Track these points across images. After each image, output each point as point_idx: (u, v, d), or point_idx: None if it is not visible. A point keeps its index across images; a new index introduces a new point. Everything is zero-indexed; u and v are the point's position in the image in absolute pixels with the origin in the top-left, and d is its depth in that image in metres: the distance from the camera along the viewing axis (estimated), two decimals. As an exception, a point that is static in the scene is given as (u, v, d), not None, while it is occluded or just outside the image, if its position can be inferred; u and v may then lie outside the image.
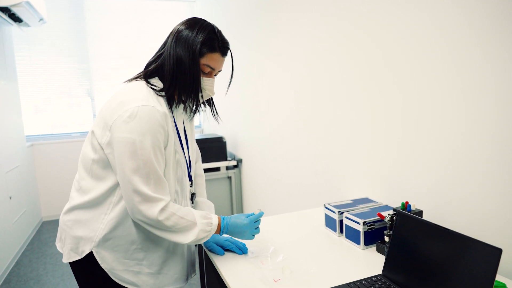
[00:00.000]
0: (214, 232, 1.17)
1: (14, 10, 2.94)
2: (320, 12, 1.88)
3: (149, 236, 1.18)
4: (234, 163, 3.40)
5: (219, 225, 1.19)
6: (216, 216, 1.19)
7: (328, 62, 1.85)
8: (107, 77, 4.53)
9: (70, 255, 1.17)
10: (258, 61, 2.80)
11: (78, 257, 1.15)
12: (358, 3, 1.58)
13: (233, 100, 3.46)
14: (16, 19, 3.21)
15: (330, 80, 1.85)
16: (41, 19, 3.40)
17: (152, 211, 1.06)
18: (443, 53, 1.19)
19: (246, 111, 3.17)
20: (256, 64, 2.85)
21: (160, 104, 1.10)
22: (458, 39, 1.13)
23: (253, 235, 1.23)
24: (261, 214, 1.25)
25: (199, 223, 1.13)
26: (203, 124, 4.65)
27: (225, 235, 1.26)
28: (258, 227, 1.24)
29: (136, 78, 1.19)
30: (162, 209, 1.07)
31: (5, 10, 2.95)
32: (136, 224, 1.15)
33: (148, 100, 1.08)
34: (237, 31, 3.20)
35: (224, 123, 3.85)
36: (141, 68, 1.23)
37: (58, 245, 1.25)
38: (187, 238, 1.11)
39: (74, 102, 4.50)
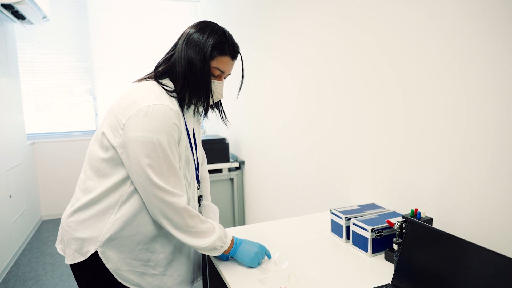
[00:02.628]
0: (228, 245, 1.16)
1: (18, 7, 2.92)
2: (323, 13, 1.85)
3: (155, 237, 1.16)
4: (236, 164, 3.38)
5: (232, 241, 1.18)
6: (230, 233, 1.20)
7: (331, 63, 1.83)
8: (109, 76, 4.51)
9: (74, 257, 1.15)
10: (262, 62, 2.77)
11: (83, 258, 1.13)
12: (362, 4, 1.55)
13: (236, 101, 3.43)
14: (19, 16, 3.20)
15: (334, 82, 1.82)
16: (44, 17, 3.39)
17: (178, 202, 1.07)
18: (446, 55, 1.16)
19: (249, 112, 3.14)
20: (259, 65, 2.82)
21: (172, 103, 1.11)
22: (461, 41, 1.10)
23: (258, 263, 1.18)
24: (269, 255, 1.23)
25: (217, 230, 1.14)
26: (205, 125, 4.62)
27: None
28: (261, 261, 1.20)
29: (146, 78, 1.19)
30: (186, 202, 1.09)
31: (9, 7, 2.93)
32: (143, 224, 1.13)
33: (161, 99, 1.08)
34: (240, 31, 3.18)
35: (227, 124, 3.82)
36: (143, 67, 1.23)
37: (58, 247, 1.23)
38: (204, 242, 1.10)
39: (76, 100, 4.48)
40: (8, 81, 3.36)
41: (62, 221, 1.21)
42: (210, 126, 4.46)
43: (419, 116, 1.31)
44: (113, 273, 1.13)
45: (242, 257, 1.17)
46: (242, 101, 3.27)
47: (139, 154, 1.04)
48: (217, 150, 3.30)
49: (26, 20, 3.33)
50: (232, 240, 1.18)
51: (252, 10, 2.92)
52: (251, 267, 1.17)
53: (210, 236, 1.12)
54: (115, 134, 1.08)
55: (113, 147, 1.09)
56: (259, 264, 1.18)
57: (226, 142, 3.37)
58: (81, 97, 4.48)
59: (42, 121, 4.40)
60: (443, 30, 1.17)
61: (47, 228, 4.01)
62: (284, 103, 2.42)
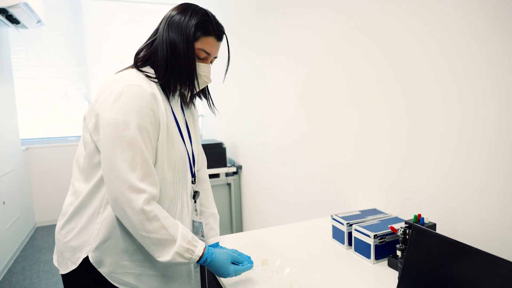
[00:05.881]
0: (197, 257, 1.02)
1: (12, 11, 2.89)
2: (323, 16, 1.84)
3: None
4: (233, 169, 3.35)
5: (203, 252, 1.04)
6: (203, 245, 1.05)
7: (332, 67, 1.81)
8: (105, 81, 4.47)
9: (67, 266, 1.08)
10: (259, 65, 2.76)
11: (74, 266, 1.06)
12: (362, 8, 1.54)
13: (233, 105, 3.41)
14: (13, 20, 3.16)
15: (335, 86, 1.80)
16: (39, 21, 3.35)
17: (137, 201, 0.95)
18: (447, 60, 1.15)
19: (247, 116, 3.12)
20: (257, 68, 2.81)
21: (150, 86, 1.03)
22: (462, 46, 1.09)
23: (233, 272, 1.06)
24: (249, 267, 1.11)
25: (178, 244, 0.99)
26: (202, 129, 4.60)
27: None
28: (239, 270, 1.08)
29: (126, 68, 1.14)
30: (147, 201, 0.96)
31: (3, 11, 2.90)
32: None
33: (135, 80, 1.02)
34: (237, 34, 3.17)
35: (224, 128, 3.80)
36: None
37: (54, 257, 1.17)
38: (163, 256, 0.98)
39: (71, 105, 4.44)
40: (1, 86, 3.32)
41: (55, 232, 1.15)
42: (207, 130, 4.44)
43: (420, 120, 1.29)
44: (107, 277, 1.06)
45: (215, 269, 1.06)
46: (240, 105, 3.26)
47: (107, 138, 0.97)
48: (214, 154, 3.27)
49: (20, 24, 3.29)
50: (204, 250, 1.04)
51: (249, 13, 2.91)
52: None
53: (169, 248, 0.98)
54: (90, 122, 1.04)
55: (92, 140, 1.04)
56: (236, 273, 1.07)
57: (223, 146, 3.34)
58: (76, 101, 4.44)
59: (37, 126, 4.35)
60: (444, 33, 1.16)
61: (41, 235, 3.95)
62: (283, 107, 2.40)
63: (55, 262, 1.16)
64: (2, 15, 2.98)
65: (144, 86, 1.00)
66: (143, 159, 0.98)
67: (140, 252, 1.09)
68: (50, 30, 4.17)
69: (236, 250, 1.21)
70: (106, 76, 4.44)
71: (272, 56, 2.52)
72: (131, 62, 1.16)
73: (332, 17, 1.78)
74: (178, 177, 1.13)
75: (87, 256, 1.05)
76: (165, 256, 0.98)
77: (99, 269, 1.05)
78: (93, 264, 1.05)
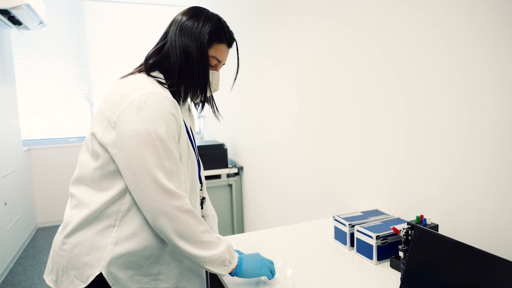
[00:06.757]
0: (236, 260, 1.03)
1: (14, 12, 2.90)
2: (324, 17, 1.85)
3: (165, 247, 1.04)
4: (235, 170, 3.35)
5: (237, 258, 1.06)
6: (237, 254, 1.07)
7: (334, 69, 1.81)
8: (106, 82, 4.49)
9: (74, 284, 0.98)
10: (261, 66, 2.76)
11: (83, 285, 0.97)
12: (363, 8, 1.54)
13: (235, 106, 3.42)
14: (15, 22, 3.17)
15: (337, 88, 1.80)
16: (41, 23, 3.36)
17: (185, 205, 0.95)
18: (449, 61, 1.15)
19: (248, 117, 3.12)
20: (258, 69, 2.81)
21: (167, 92, 1.00)
22: (463, 46, 1.09)
23: (269, 271, 1.09)
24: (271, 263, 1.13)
25: (224, 241, 1.02)
26: (203, 130, 4.60)
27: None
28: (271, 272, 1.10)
29: (133, 72, 1.09)
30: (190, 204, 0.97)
31: (5, 12, 2.91)
32: (153, 235, 1.00)
33: (154, 88, 0.97)
34: (238, 35, 3.16)
35: (225, 129, 3.80)
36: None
37: (48, 278, 1.06)
38: (212, 253, 0.97)
39: (72, 106, 4.45)
40: (3, 87, 3.33)
41: (54, 247, 1.05)
42: (208, 131, 4.44)
43: (421, 120, 1.29)
44: None
45: (249, 271, 1.05)
46: (241, 106, 3.26)
47: (136, 150, 0.92)
48: (215, 155, 3.28)
49: (22, 25, 3.30)
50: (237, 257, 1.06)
51: (251, 14, 2.91)
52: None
53: (218, 246, 0.98)
54: (106, 135, 0.96)
55: (106, 151, 0.96)
56: (268, 273, 1.08)
57: (225, 147, 3.35)
58: (77, 103, 4.45)
59: (38, 127, 4.36)
60: (445, 34, 1.16)
61: (43, 236, 3.95)
62: (285, 109, 2.40)
63: (50, 283, 1.05)
64: (4, 17, 2.99)
65: (165, 94, 0.97)
66: (177, 168, 0.96)
67: (155, 265, 1.04)
68: (52, 32, 4.18)
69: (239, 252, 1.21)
70: (108, 77, 4.46)
71: (274, 57, 2.52)
72: (133, 63, 1.13)
73: (333, 18, 1.78)
74: (192, 185, 1.11)
75: (100, 273, 0.97)
76: (215, 253, 0.97)
77: (113, 287, 0.98)
78: (109, 281, 0.97)
